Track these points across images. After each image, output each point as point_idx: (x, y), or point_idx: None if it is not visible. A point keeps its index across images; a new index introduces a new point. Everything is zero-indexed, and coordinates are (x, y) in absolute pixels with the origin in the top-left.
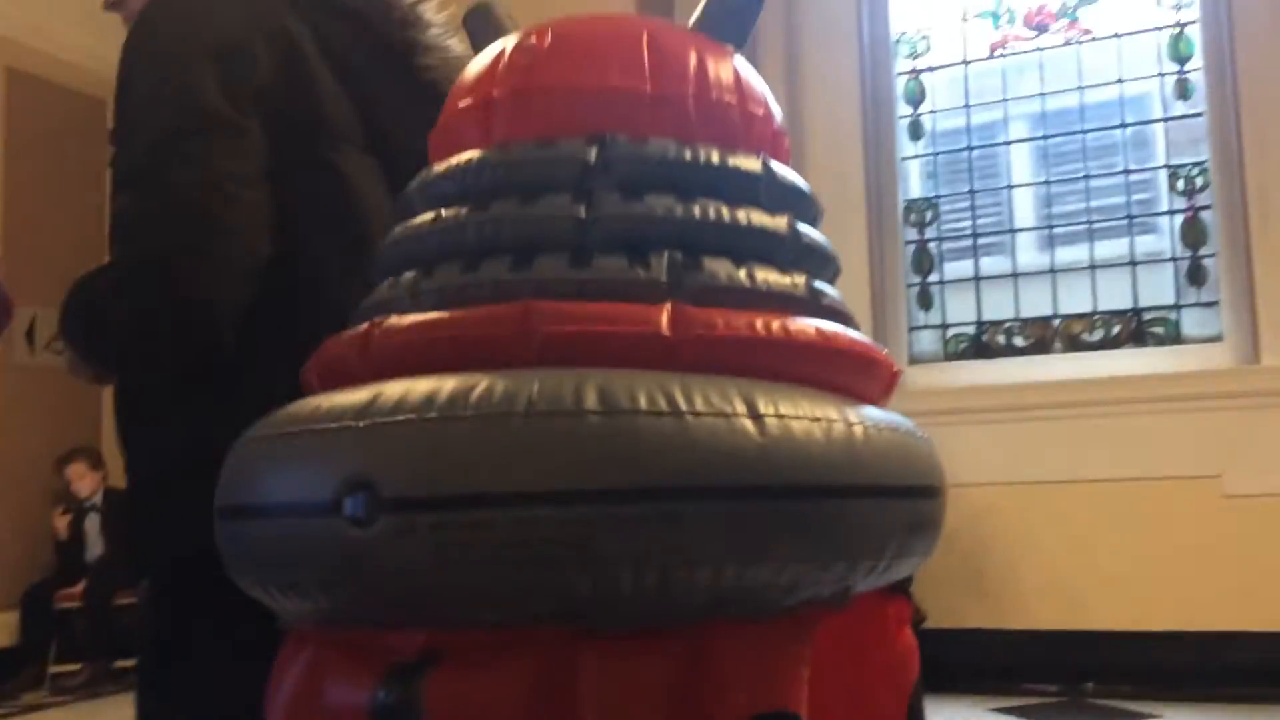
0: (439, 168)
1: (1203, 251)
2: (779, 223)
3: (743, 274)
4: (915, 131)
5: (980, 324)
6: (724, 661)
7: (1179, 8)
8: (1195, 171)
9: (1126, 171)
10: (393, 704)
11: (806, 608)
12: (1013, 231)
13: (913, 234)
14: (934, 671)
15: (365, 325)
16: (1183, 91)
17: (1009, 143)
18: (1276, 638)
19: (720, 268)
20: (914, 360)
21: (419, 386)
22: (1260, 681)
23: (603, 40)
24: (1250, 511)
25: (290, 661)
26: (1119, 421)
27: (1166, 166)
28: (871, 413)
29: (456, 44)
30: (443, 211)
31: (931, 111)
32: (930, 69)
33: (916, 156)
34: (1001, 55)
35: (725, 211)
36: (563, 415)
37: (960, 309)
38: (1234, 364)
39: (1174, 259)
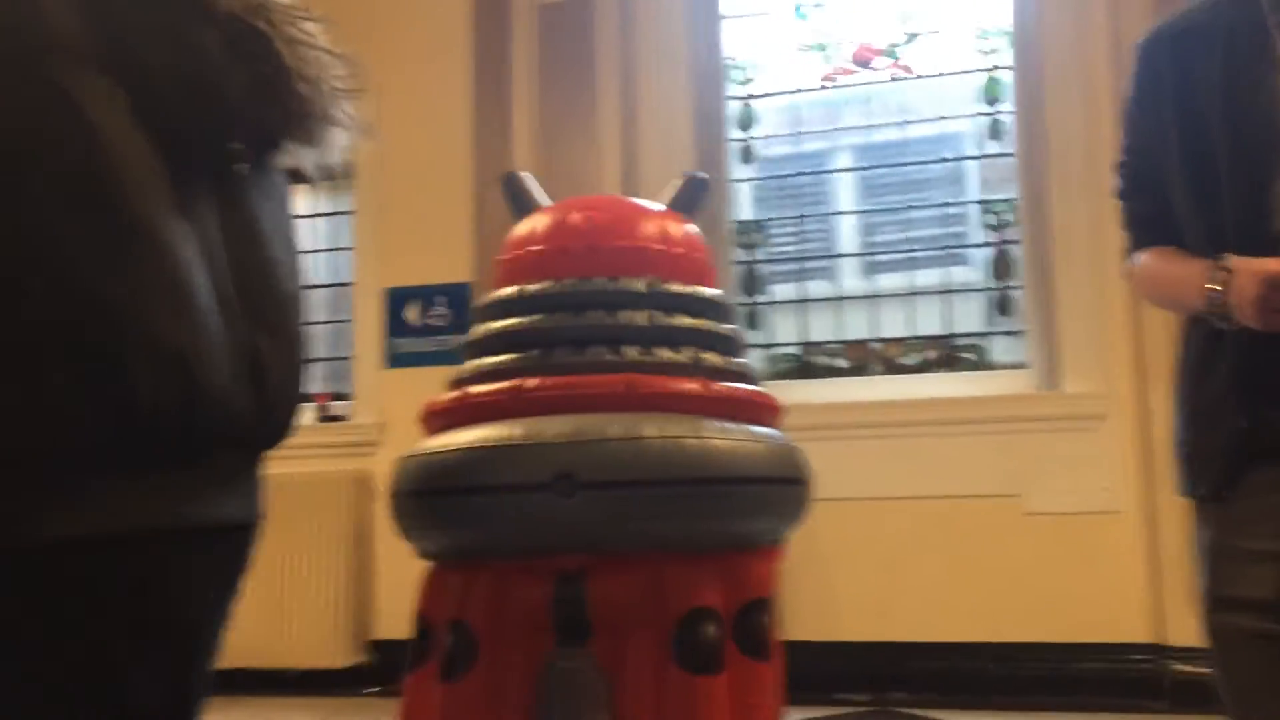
0: (536, 286)
1: (1011, 283)
2: (722, 328)
3: (677, 357)
4: (746, 156)
5: (804, 345)
6: (682, 580)
7: (993, 52)
8: (1005, 208)
9: (943, 205)
10: (567, 596)
11: (726, 549)
12: (836, 257)
13: (742, 255)
14: None
15: (512, 383)
16: (995, 132)
17: (835, 171)
18: (1071, 649)
19: (653, 356)
20: None
21: (575, 422)
22: (1056, 691)
23: (615, 212)
24: (1048, 529)
25: (476, 582)
26: (930, 442)
27: (979, 202)
28: (762, 431)
29: None
30: (521, 317)
31: (762, 137)
32: (762, 95)
33: (747, 180)
34: (829, 87)
35: (677, 320)
36: (637, 438)
37: (785, 330)
38: (1036, 390)
39: (985, 289)
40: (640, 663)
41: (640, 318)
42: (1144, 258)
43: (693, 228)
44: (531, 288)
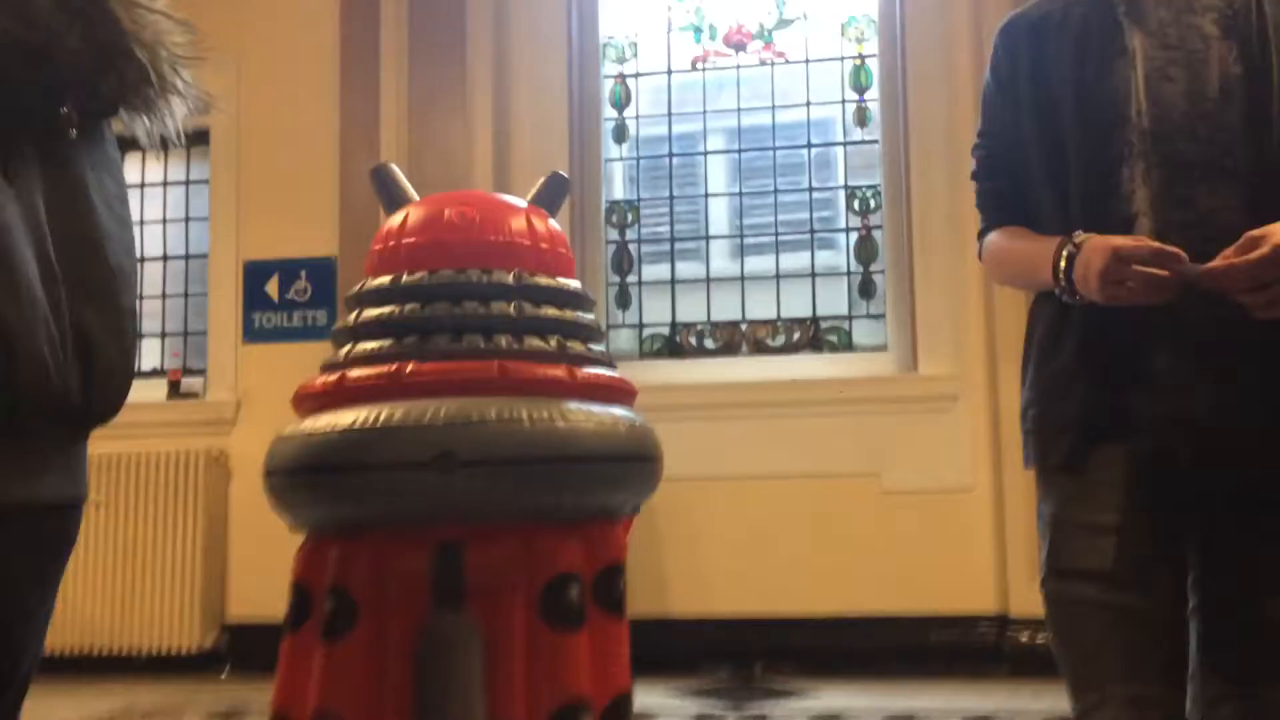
0: (412, 277)
1: (873, 268)
2: (584, 318)
3: (543, 345)
4: (620, 135)
5: (674, 325)
6: (548, 547)
7: (860, 40)
8: (870, 193)
9: (810, 189)
10: (445, 564)
11: (588, 520)
12: (707, 238)
13: (614, 234)
14: None
15: (392, 368)
16: (862, 119)
17: (706, 153)
18: (920, 621)
19: (519, 345)
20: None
21: (454, 405)
22: (905, 660)
23: (484, 208)
24: (905, 507)
25: (357, 551)
26: (795, 422)
27: (845, 187)
28: (621, 413)
29: None
30: (396, 306)
31: (635, 117)
32: (636, 75)
33: (620, 159)
34: (702, 69)
35: (536, 309)
36: (511, 419)
37: (656, 310)
38: (896, 372)
39: (848, 273)
40: (512, 623)
41: (510, 308)
42: (995, 236)
43: (555, 223)
44: (408, 278)
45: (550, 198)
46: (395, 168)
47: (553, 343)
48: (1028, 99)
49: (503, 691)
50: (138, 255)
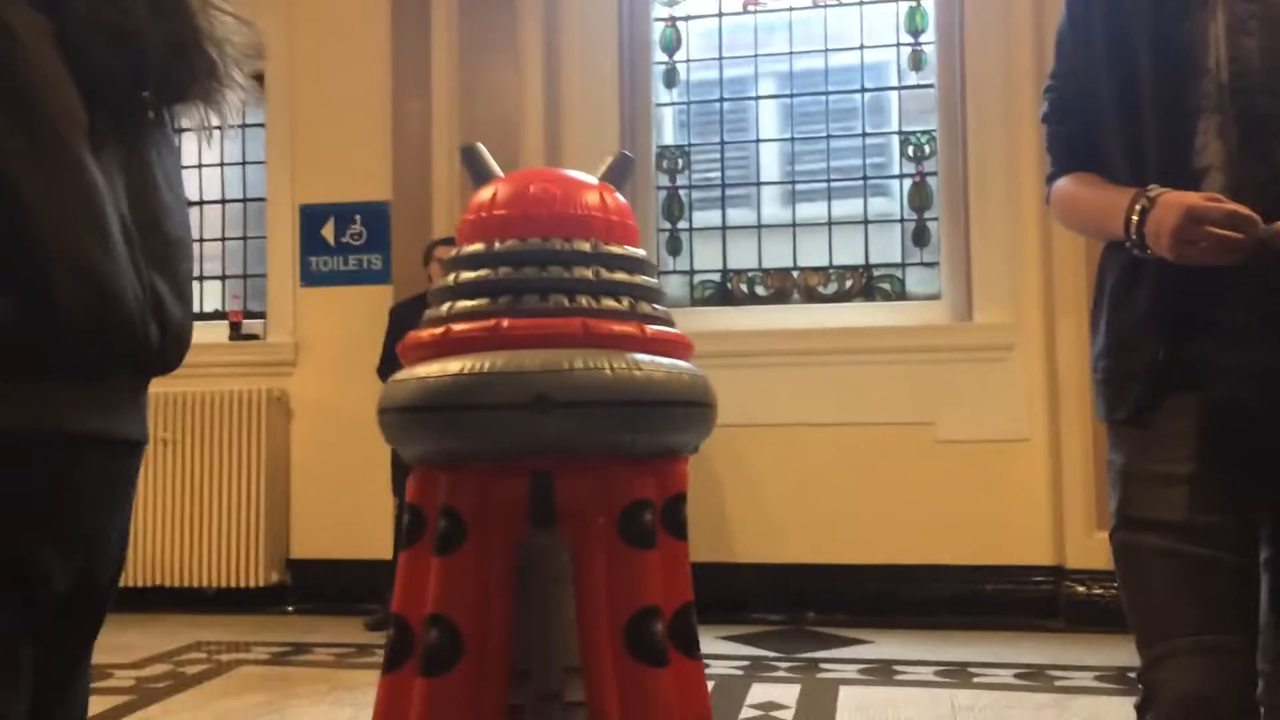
0: (504, 245)
1: (927, 215)
2: (635, 281)
3: (618, 305)
4: (670, 79)
5: (725, 272)
6: (625, 479)
7: None
8: (924, 139)
9: (863, 134)
10: (539, 491)
11: (658, 456)
12: (759, 184)
13: (664, 180)
14: None
15: (491, 323)
16: (917, 63)
17: (758, 98)
18: (974, 571)
19: (598, 304)
20: None
21: (545, 355)
22: (958, 610)
23: (562, 185)
24: (958, 456)
25: (464, 479)
26: (847, 370)
27: (899, 132)
28: (683, 364)
29: None
30: (491, 269)
31: (686, 60)
32: (686, 18)
33: (671, 104)
34: (754, 12)
35: (610, 274)
36: (596, 368)
37: (707, 257)
38: (950, 321)
39: (902, 220)
40: (594, 541)
41: (589, 273)
42: (1065, 182)
43: (621, 198)
44: (500, 245)
45: (618, 175)
46: (482, 147)
47: (625, 303)
48: (1102, 42)
49: (588, 599)
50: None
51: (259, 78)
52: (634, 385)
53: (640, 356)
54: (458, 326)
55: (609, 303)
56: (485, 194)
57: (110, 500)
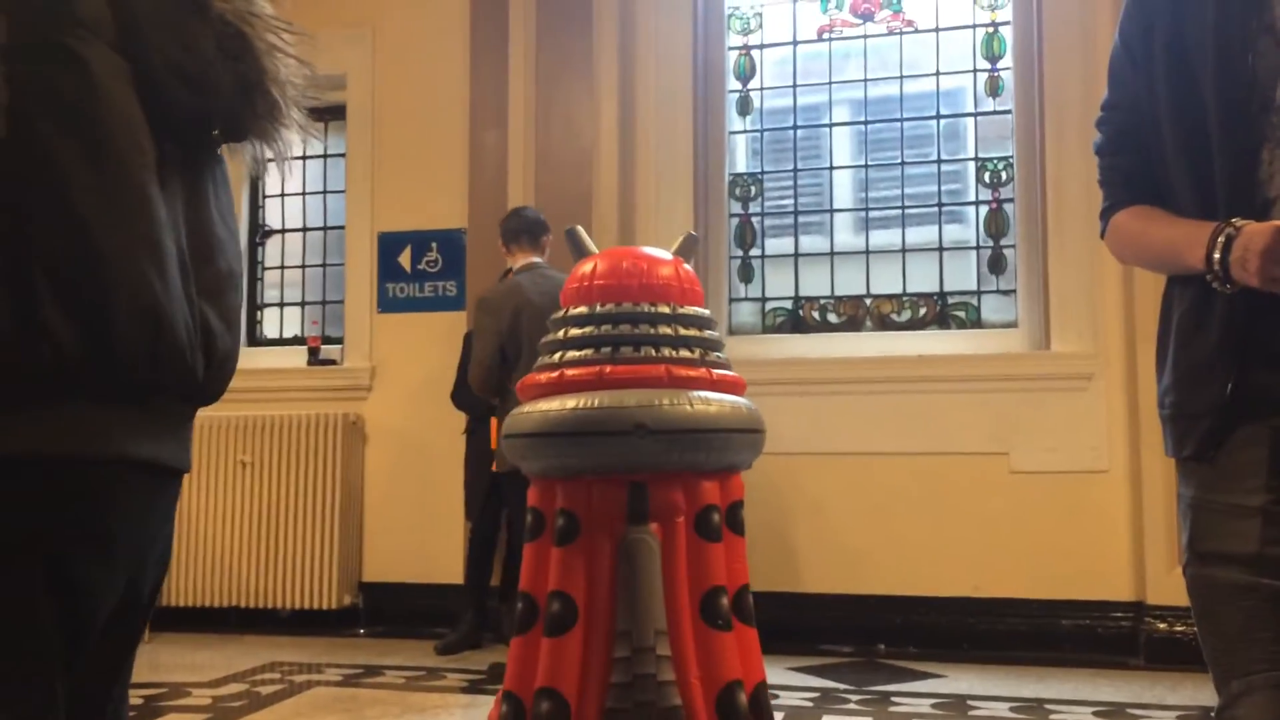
0: (604, 308)
1: (1004, 242)
2: (703, 335)
3: (689, 355)
4: (744, 107)
5: (797, 299)
6: (699, 488)
7: (994, 8)
8: (1001, 165)
9: (939, 161)
10: (636, 497)
11: (723, 471)
12: (831, 211)
13: (737, 208)
14: None
15: (596, 369)
16: (994, 88)
17: (832, 125)
18: (1050, 605)
19: (677, 354)
20: (733, 331)
21: (639, 394)
22: (1034, 645)
23: (646, 262)
24: (1033, 487)
25: (577, 488)
26: (920, 398)
27: (975, 159)
28: (741, 400)
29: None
30: (594, 327)
31: (760, 88)
32: (761, 46)
33: (744, 132)
34: (829, 39)
35: (684, 330)
36: (679, 405)
37: (779, 284)
38: (1026, 349)
39: (977, 247)
40: (677, 535)
41: (670, 330)
42: (1127, 218)
43: (689, 268)
44: (600, 308)
45: (686, 251)
46: (582, 230)
47: (697, 353)
48: (1162, 71)
49: (672, 578)
50: (280, 227)
51: (340, 109)
52: (707, 417)
53: (709, 394)
54: (570, 371)
55: (685, 353)
56: (587, 267)
57: (155, 523)
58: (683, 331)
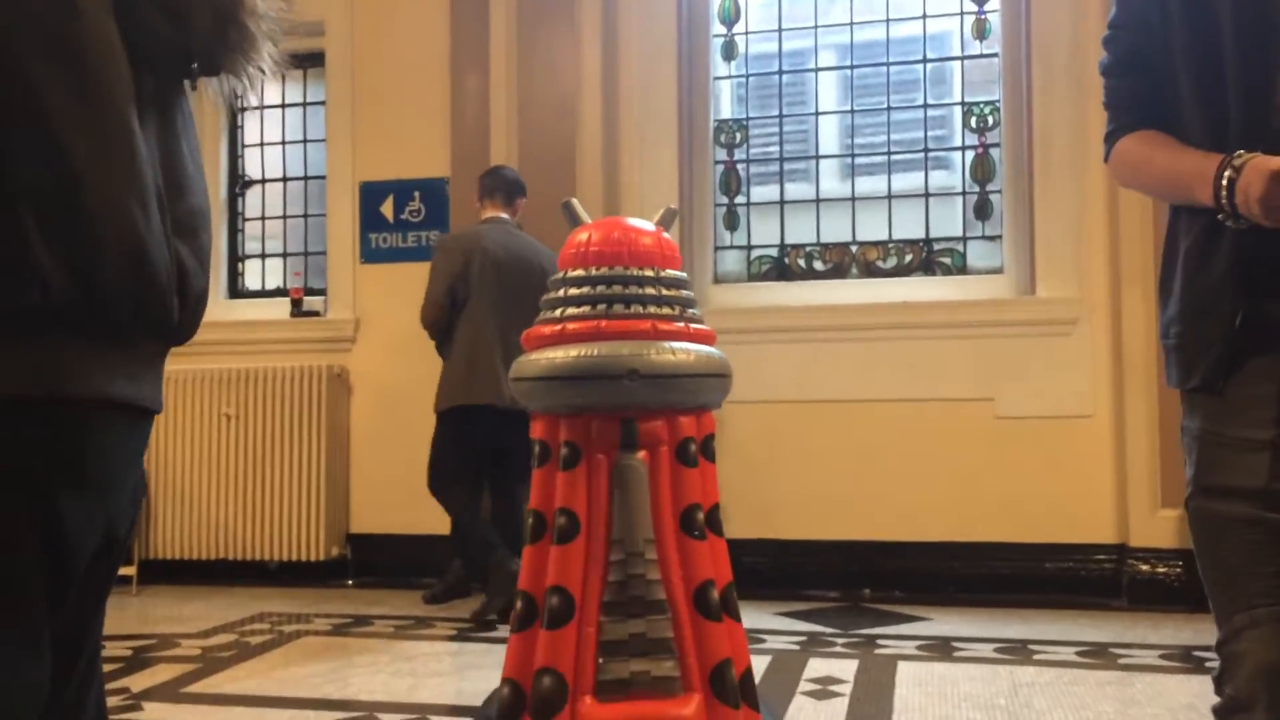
0: (598, 271)
1: (990, 187)
2: (680, 294)
3: (670, 311)
4: (729, 52)
5: (783, 247)
6: (678, 423)
7: None
8: (988, 110)
9: (925, 106)
10: (627, 430)
11: (698, 409)
12: (817, 158)
13: (722, 154)
14: None
15: (593, 323)
16: (981, 31)
17: (818, 70)
18: (1034, 548)
19: (660, 311)
20: (719, 280)
21: (631, 345)
22: (1018, 588)
23: (632, 232)
24: (1018, 432)
25: (579, 423)
26: (906, 345)
27: (961, 103)
28: (713, 350)
29: None
30: (590, 287)
31: (745, 33)
32: None
33: (729, 77)
34: None
35: (665, 291)
36: (663, 354)
37: (764, 231)
38: (1012, 294)
39: (964, 193)
40: (661, 462)
41: (654, 290)
42: (1133, 143)
43: (669, 236)
44: (595, 271)
45: (666, 222)
46: (577, 202)
47: (676, 310)
48: None
49: (657, 497)
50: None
51: (319, 56)
52: (686, 364)
53: (688, 345)
54: (571, 325)
55: (666, 310)
56: (582, 235)
57: (131, 462)
58: (664, 292)
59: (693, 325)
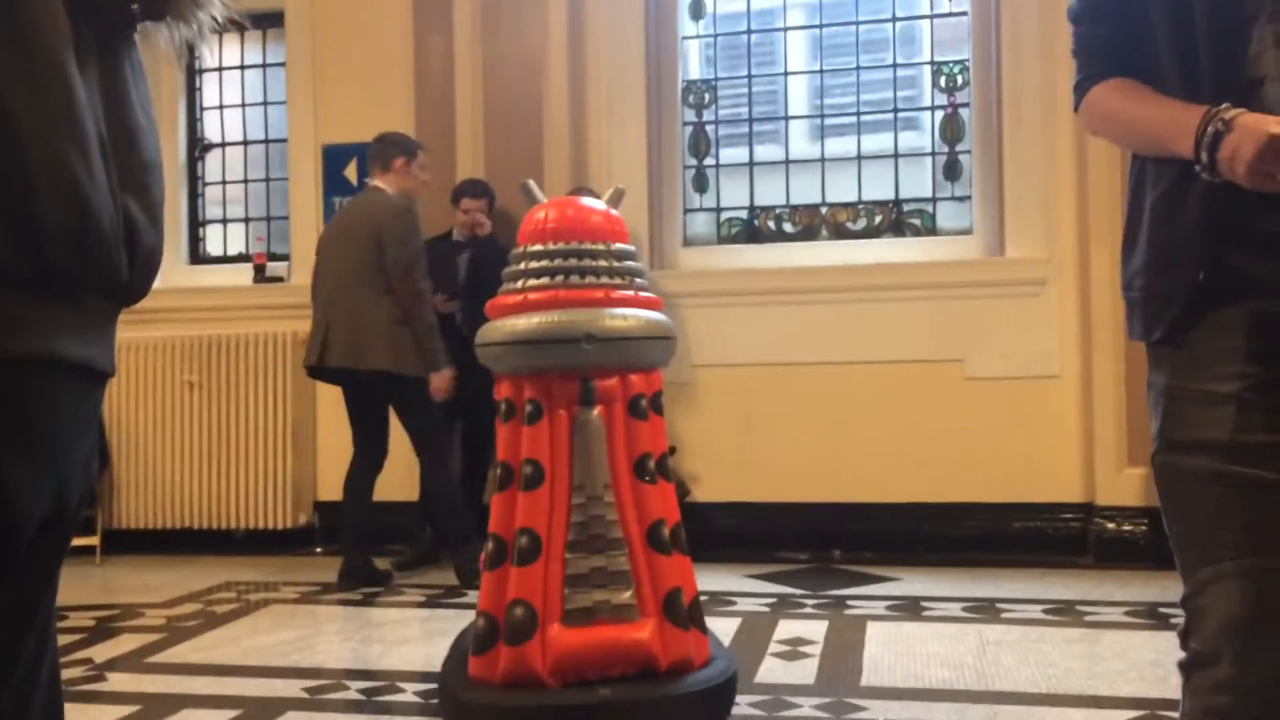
0: (555, 245)
1: (959, 148)
2: (629, 265)
3: (620, 281)
4: (696, 11)
5: (753, 209)
6: (630, 381)
7: None
8: (957, 69)
9: (894, 65)
10: (585, 388)
11: (647, 368)
12: (786, 119)
13: (690, 115)
14: (697, 542)
15: (552, 293)
16: None
17: (786, 29)
18: (1002, 508)
19: (611, 280)
20: (688, 243)
21: (587, 312)
22: (987, 548)
23: (585, 210)
24: (988, 394)
25: (541, 382)
26: (876, 307)
27: (931, 63)
28: (658, 315)
29: None
30: (549, 260)
31: None
32: None
33: (697, 37)
34: None
35: (616, 263)
36: (615, 320)
37: (734, 194)
38: (981, 255)
39: (933, 154)
40: (616, 416)
41: (604, 262)
42: (1104, 91)
43: (616, 213)
44: (552, 245)
45: (614, 201)
46: (533, 183)
47: (626, 280)
48: None
49: (613, 447)
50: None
51: (278, 16)
52: (636, 328)
53: (638, 311)
54: (532, 295)
55: (617, 280)
56: (539, 214)
57: (81, 427)
58: (615, 264)
59: (641, 293)
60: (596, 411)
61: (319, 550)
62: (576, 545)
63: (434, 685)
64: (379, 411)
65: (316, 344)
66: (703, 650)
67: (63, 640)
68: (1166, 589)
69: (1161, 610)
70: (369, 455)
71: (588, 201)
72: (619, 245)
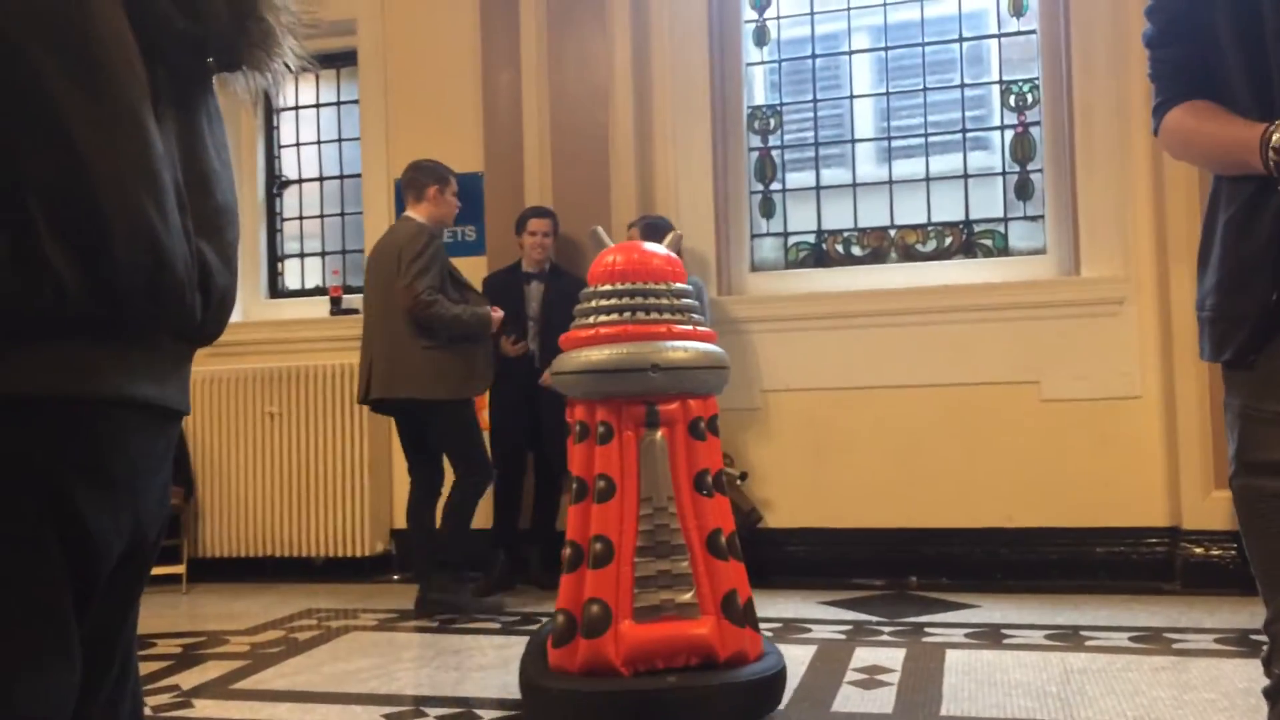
0: (623, 285)
1: (1031, 167)
2: (686, 303)
3: (679, 317)
4: (760, 37)
5: (820, 233)
6: (689, 405)
7: None
8: (1027, 88)
9: (962, 86)
10: (651, 412)
11: (705, 394)
12: (853, 142)
13: (756, 141)
14: (770, 568)
15: (621, 328)
16: (1017, 8)
17: (851, 53)
18: (1083, 533)
19: (673, 317)
20: (755, 268)
21: (652, 345)
22: (1068, 574)
23: (648, 254)
24: (1064, 416)
25: (612, 406)
26: (948, 329)
27: (999, 82)
28: (713, 347)
29: None
30: (617, 299)
31: (777, 18)
32: None
33: (761, 63)
34: None
35: (676, 300)
36: (676, 352)
37: (801, 218)
38: (1055, 275)
39: (1004, 173)
40: (678, 436)
41: (666, 300)
42: (1181, 114)
43: (676, 256)
44: (620, 285)
45: (674, 246)
46: (602, 230)
47: (684, 316)
48: None
49: (675, 464)
50: (297, 177)
51: (351, 55)
52: (694, 359)
53: (695, 344)
54: (603, 330)
55: (678, 316)
56: (609, 257)
57: (156, 463)
58: (675, 302)
59: (699, 329)
60: (661, 433)
61: (396, 577)
62: (644, 550)
63: (511, 713)
64: (427, 439)
65: (363, 376)
66: (756, 646)
67: (150, 667)
68: (1257, 615)
69: (1253, 637)
70: (424, 482)
71: (649, 246)
72: (678, 285)
